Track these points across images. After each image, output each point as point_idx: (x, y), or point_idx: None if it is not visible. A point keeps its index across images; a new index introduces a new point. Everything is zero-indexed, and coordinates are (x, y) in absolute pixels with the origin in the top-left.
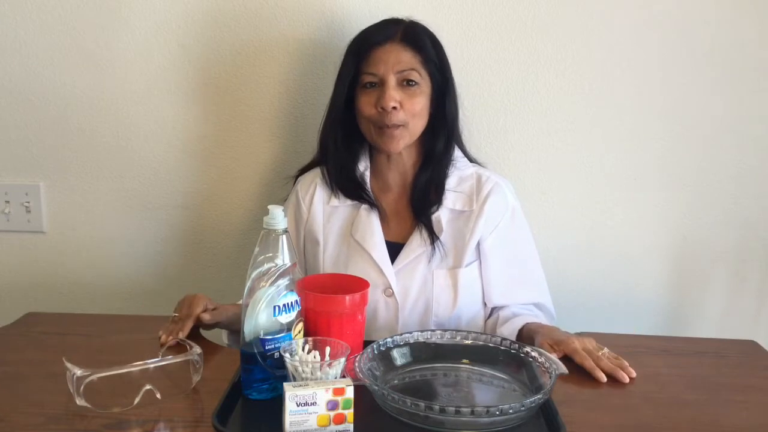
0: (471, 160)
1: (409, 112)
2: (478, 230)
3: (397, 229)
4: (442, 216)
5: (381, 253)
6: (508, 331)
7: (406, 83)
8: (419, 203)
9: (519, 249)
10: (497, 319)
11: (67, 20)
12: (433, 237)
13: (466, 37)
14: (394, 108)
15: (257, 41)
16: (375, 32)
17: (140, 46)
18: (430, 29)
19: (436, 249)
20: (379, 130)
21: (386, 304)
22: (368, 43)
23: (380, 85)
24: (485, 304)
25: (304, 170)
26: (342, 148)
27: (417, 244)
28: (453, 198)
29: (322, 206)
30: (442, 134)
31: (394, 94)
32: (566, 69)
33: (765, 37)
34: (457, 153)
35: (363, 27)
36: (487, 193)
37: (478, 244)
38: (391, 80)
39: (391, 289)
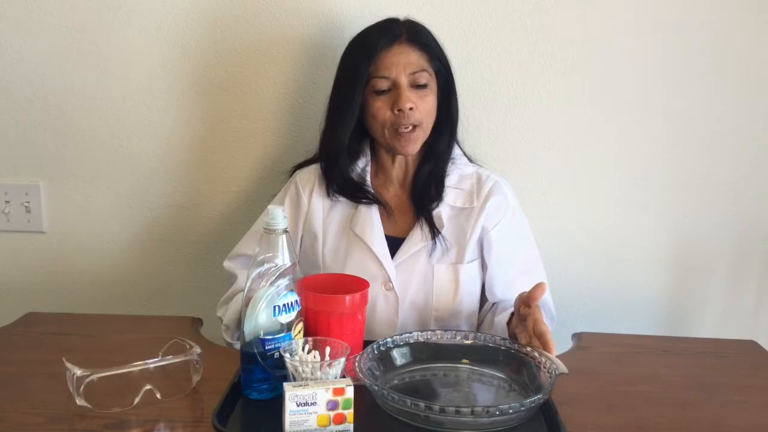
0: (470, 159)
1: (422, 112)
2: (479, 226)
3: (398, 224)
4: (442, 212)
5: (381, 246)
6: (501, 316)
7: (417, 84)
8: (420, 198)
9: (521, 246)
10: (496, 307)
11: (66, 20)
12: (434, 231)
13: (466, 37)
14: (411, 109)
15: (257, 41)
16: (380, 34)
17: (140, 46)
18: (426, 26)
19: (438, 243)
20: (395, 134)
21: (386, 298)
22: (376, 46)
23: (393, 87)
24: (487, 299)
25: (301, 166)
26: (346, 152)
27: (418, 238)
28: (453, 195)
29: (322, 200)
30: (446, 131)
31: (410, 96)
32: (566, 69)
33: (765, 37)
34: (457, 151)
35: (363, 27)
36: (488, 191)
37: (480, 241)
38: (404, 81)
39: (391, 282)
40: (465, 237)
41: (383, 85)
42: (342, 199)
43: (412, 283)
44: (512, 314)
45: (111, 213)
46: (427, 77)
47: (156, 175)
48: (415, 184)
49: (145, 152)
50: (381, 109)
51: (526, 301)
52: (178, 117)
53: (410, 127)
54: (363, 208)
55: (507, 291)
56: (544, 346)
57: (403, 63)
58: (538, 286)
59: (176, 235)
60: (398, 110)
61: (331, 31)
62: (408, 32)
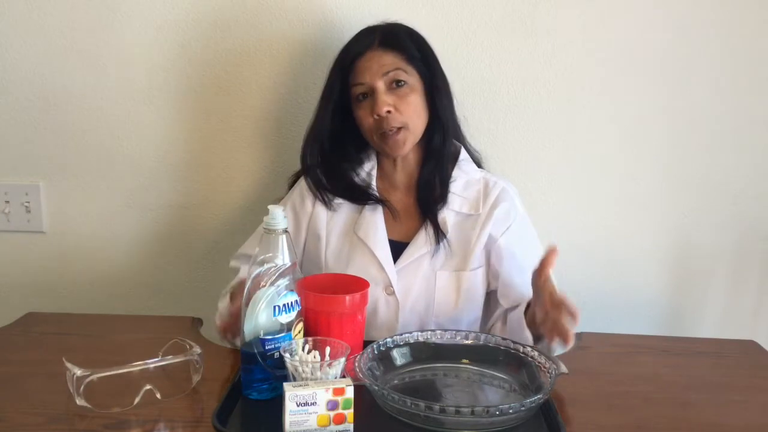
0: (479, 164)
1: (405, 113)
2: (485, 234)
3: (403, 228)
4: (447, 217)
5: (383, 250)
6: (517, 309)
7: (395, 85)
8: (425, 199)
9: (532, 250)
10: (509, 311)
11: (66, 20)
12: (439, 235)
13: (465, 37)
14: (389, 112)
15: (257, 42)
16: (353, 45)
17: (140, 46)
18: (408, 26)
19: (442, 247)
20: (383, 137)
21: (387, 303)
22: (349, 56)
23: (371, 94)
24: (500, 304)
25: (300, 173)
26: (330, 160)
27: (422, 242)
28: (459, 202)
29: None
30: (438, 129)
31: (385, 99)
32: (566, 69)
33: (766, 37)
34: (464, 155)
35: (362, 27)
36: (495, 198)
37: (487, 249)
38: (380, 86)
39: (392, 287)
40: (470, 244)
41: (362, 92)
42: (346, 201)
43: (413, 289)
44: (528, 304)
45: (111, 213)
46: (405, 75)
47: (156, 175)
48: (420, 185)
49: (145, 152)
50: (364, 116)
51: (540, 271)
52: (178, 117)
53: (394, 129)
54: (367, 212)
55: (522, 295)
56: (568, 310)
57: (375, 68)
58: (551, 251)
59: (176, 235)
60: (376, 115)
61: (332, 31)
62: (381, 37)
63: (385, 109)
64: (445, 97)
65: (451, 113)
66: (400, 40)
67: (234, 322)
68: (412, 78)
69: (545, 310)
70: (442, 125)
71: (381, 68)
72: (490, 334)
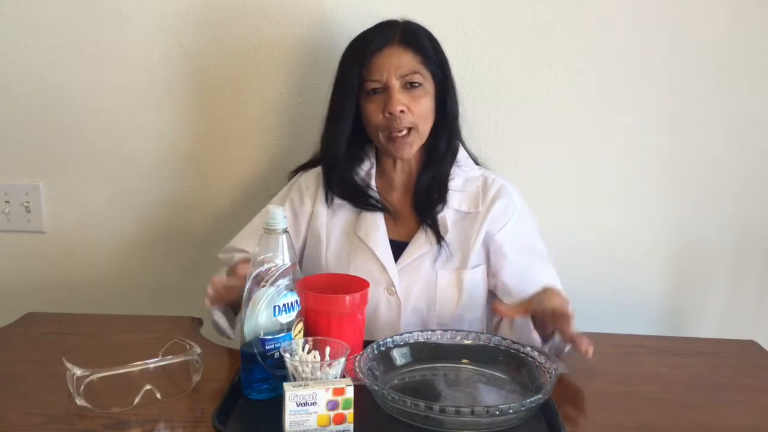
0: (477, 162)
1: (416, 114)
2: (483, 231)
3: (403, 228)
4: (447, 216)
5: (384, 250)
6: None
7: (410, 85)
8: (422, 203)
9: (530, 243)
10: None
11: (66, 20)
12: (439, 236)
13: (466, 37)
14: (402, 111)
15: (257, 41)
16: (372, 37)
17: (140, 46)
18: (426, 27)
19: (443, 249)
20: (389, 137)
21: (388, 303)
22: (367, 49)
23: (384, 90)
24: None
25: (302, 168)
26: (346, 157)
27: (422, 242)
28: (459, 199)
29: (325, 203)
30: (444, 132)
31: (400, 98)
32: (566, 69)
33: (765, 37)
34: (462, 154)
35: (364, 27)
36: (493, 195)
37: (485, 246)
38: (395, 84)
39: (394, 287)
40: (469, 242)
41: (375, 87)
42: (346, 201)
43: (414, 288)
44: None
45: (111, 213)
46: (421, 78)
47: (156, 174)
48: (417, 188)
49: (145, 152)
50: (374, 112)
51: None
52: (178, 117)
53: (404, 131)
54: (367, 213)
55: (522, 285)
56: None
57: (394, 65)
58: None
59: (176, 235)
60: (389, 113)
61: (332, 30)
62: (401, 34)
63: (399, 108)
64: (454, 100)
65: (457, 117)
66: (420, 40)
67: (226, 295)
68: (426, 81)
69: (551, 323)
70: (449, 128)
71: (399, 68)
72: (492, 333)
